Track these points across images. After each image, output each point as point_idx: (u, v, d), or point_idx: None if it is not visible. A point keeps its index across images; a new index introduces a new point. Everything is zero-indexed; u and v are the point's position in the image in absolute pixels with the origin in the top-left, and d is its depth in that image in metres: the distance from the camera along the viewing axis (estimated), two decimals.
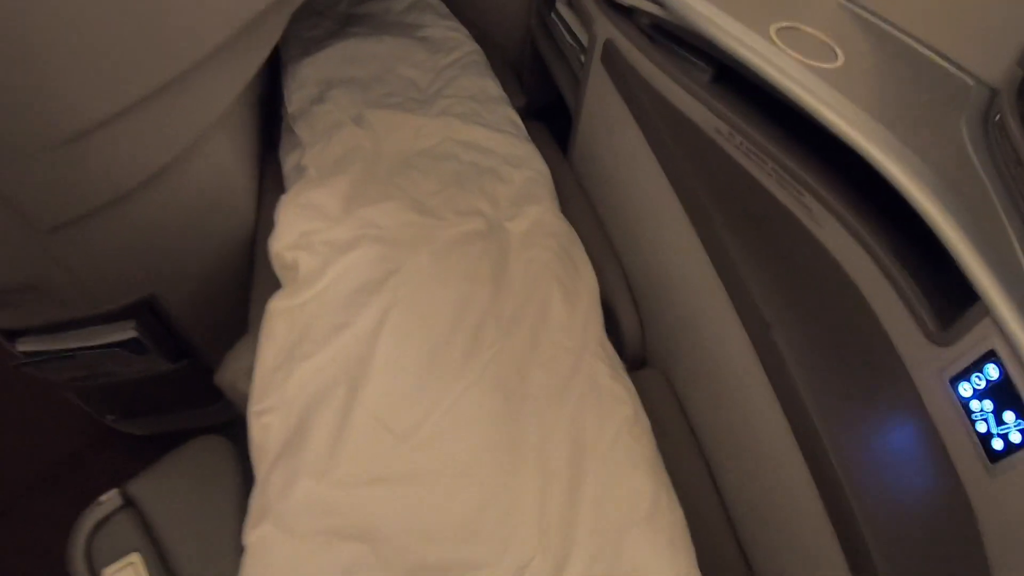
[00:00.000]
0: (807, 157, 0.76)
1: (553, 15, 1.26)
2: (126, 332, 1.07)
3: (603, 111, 1.13)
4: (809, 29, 0.85)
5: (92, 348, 1.07)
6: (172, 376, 1.23)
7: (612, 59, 1.03)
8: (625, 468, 0.88)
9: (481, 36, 1.42)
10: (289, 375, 0.90)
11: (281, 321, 0.94)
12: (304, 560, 0.78)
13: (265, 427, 0.88)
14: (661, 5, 0.89)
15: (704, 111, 0.88)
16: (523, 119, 1.31)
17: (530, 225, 1.10)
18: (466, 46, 1.38)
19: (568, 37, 1.21)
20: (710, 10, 0.83)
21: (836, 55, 0.81)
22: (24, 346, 1.06)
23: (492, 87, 1.32)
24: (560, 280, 1.04)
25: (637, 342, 1.09)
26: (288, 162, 1.17)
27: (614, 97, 1.05)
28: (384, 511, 0.81)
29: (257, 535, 0.80)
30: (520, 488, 0.85)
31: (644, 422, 0.94)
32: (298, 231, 0.99)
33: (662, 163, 0.97)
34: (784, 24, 0.85)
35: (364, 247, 0.99)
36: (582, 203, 1.22)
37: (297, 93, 1.24)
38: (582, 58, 1.15)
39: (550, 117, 1.39)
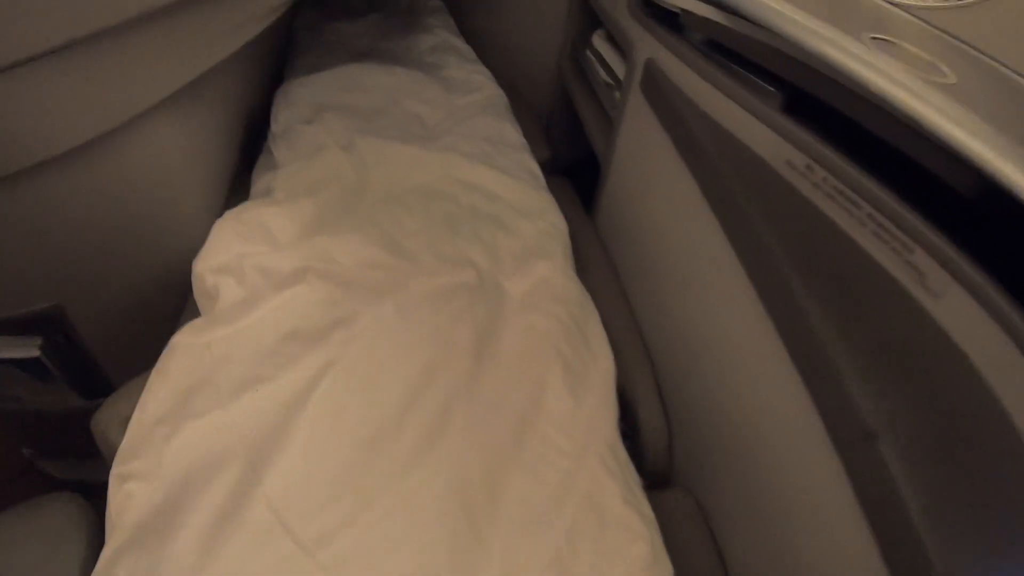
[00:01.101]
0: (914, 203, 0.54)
1: (588, 51, 1.11)
2: (28, 350, 0.88)
3: (640, 151, 0.93)
4: (906, 44, 0.65)
5: None
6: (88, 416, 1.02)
7: (654, 83, 0.84)
8: None
9: (508, 88, 1.27)
10: (173, 434, 0.67)
11: (180, 360, 0.72)
12: None
13: (127, 496, 0.64)
14: (725, 9, 0.71)
15: (774, 139, 0.66)
16: (545, 175, 1.10)
17: (534, 285, 0.87)
18: (488, 88, 1.23)
19: (603, 73, 1.04)
20: (791, 9, 0.64)
21: (944, 72, 0.60)
22: None
23: (511, 132, 1.14)
24: (564, 359, 0.79)
25: (662, 452, 0.81)
26: (258, 184, 0.99)
27: (655, 131, 0.85)
28: None
29: None
30: None
31: (666, 569, 0.65)
32: (232, 252, 0.79)
33: (715, 210, 0.74)
34: (876, 35, 0.65)
35: (309, 284, 0.78)
36: (605, 270, 1.00)
37: (285, 112, 1.09)
38: (617, 95, 0.98)
39: (576, 179, 1.21)
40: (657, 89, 0.83)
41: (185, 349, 0.72)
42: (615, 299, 0.95)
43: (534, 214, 0.98)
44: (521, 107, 1.23)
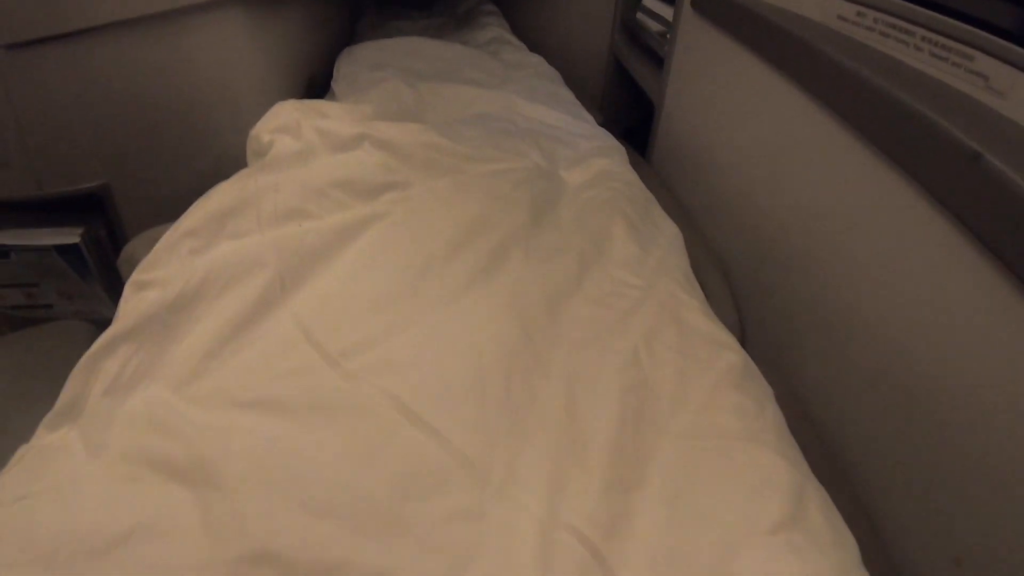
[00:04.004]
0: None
1: (639, 15, 1.12)
2: (69, 237, 0.83)
3: (697, 65, 0.91)
4: None
5: (29, 248, 0.83)
6: None
7: None
8: (731, 441, 0.46)
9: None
10: (204, 249, 0.59)
11: (220, 191, 0.65)
12: (90, 494, 0.42)
13: (140, 300, 0.55)
14: None
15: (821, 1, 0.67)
16: None
17: (593, 175, 0.80)
18: (543, 66, 1.23)
19: (656, 25, 1.05)
20: None
21: None
22: None
23: (565, 93, 1.12)
24: (628, 218, 0.71)
25: (732, 325, 0.68)
26: None
27: (712, 38, 0.83)
28: (248, 446, 0.44)
29: (52, 441, 0.47)
30: (514, 465, 0.45)
31: (763, 383, 0.52)
32: (291, 117, 0.74)
33: (794, 79, 0.69)
34: None
35: (366, 150, 0.72)
36: (669, 203, 0.93)
37: (348, 66, 1.09)
38: (668, 36, 0.97)
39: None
40: (710, 2, 0.83)
41: (226, 185, 0.66)
42: (679, 216, 0.87)
43: (591, 136, 0.94)
44: (573, 89, 1.23)
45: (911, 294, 0.52)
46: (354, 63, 1.11)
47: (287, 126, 0.73)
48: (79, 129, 0.77)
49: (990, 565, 0.44)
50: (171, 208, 0.86)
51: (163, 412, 0.46)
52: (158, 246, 0.59)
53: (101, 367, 0.50)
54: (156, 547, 0.40)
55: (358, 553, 0.39)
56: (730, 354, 0.52)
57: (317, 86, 1.15)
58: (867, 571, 0.41)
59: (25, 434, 0.48)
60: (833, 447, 0.60)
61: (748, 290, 0.76)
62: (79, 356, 0.57)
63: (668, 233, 0.72)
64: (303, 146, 0.71)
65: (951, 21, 0.51)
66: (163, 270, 0.57)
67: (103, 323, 0.59)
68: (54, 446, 0.46)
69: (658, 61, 1.04)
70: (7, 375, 0.58)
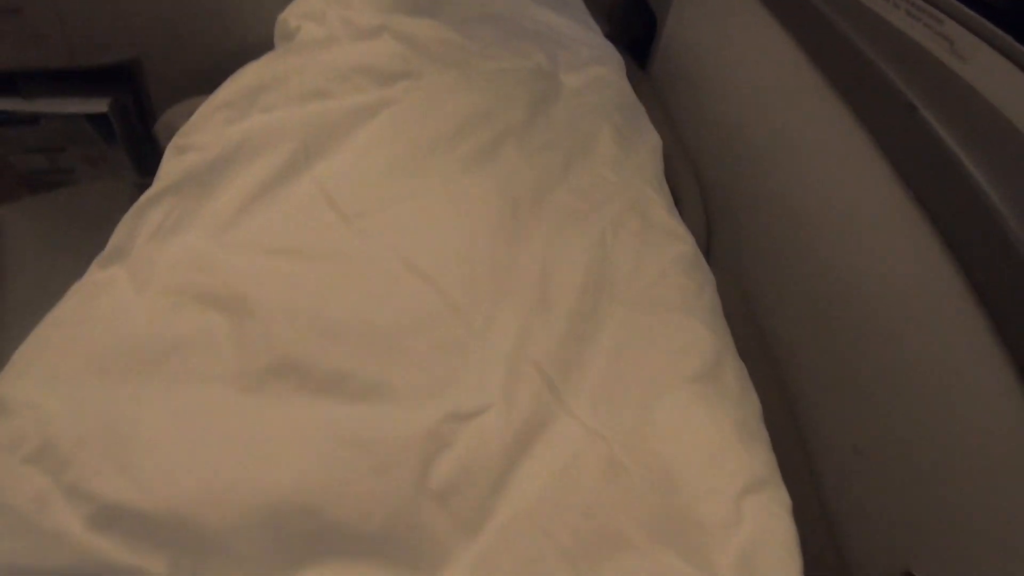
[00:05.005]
0: None
1: None
2: (98, 106, 0.88)
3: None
4: None
5: (59, 116, 0.88)
6: None
7: None
8: (671, 313, 0.55)
9: None
10: (238, 119, 0.65)
11: (252, 69, 0.70)
12: (138, 318, 0.49)
13: (180, 162, 0.62)
14: None
15: None
16: None
17: (590, 80, 0.86)
18: None
19: None
20: None
21: None
22: None
23: (576, 1, 1.14)
24: (615, 124, 0.77)
25: (700, 229, 0.77)
26: None
27: None
28: (275, 283, 0.52)
29: (102, 278, 0.53)
30: (493, 314, 0.53)
31: (707, 272, 0.61)
32: (316, 6, 0.79)
33: (779, 19, 0.73)
34: None
35: (385, 41, 0.77)
36: (659, 114, 0.98)
37: None
38: None
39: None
40: None
41: (258, 64, 0.71)
42: (665, 126, 0.93)
43: (593, 45, 0.97)
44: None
45: (847, 222, 0.60)
46: None
47: (313, 13, 0.78)
48: (113, 6, 0.81)
49: (882, 455, 0.54)
50: (195, 84, 0.91)
51: (201, 255, 0.53)
52: (196, 114, 0.66)
53: (147, 216, 0.57)
54: (195, 360, 0.47)
55: (361, 368, 0.48)
56: (682, 245, 0.60)
57: None
58: (766, 431, 0.51)
59: (77, 275, 0.54)
60: (768, 341, 0.69)
61: (717, 197, 0.83)
62: (123, 211, 0.63)
63: (650, 141, 0.78)
64: (327, 33, 0.75)
65: None
66: (201, 135, 0.64)
67: (142, 185, 0.66)
68: (104, 282, 0.52)
69: None
70: (63, 225, 0.66)
